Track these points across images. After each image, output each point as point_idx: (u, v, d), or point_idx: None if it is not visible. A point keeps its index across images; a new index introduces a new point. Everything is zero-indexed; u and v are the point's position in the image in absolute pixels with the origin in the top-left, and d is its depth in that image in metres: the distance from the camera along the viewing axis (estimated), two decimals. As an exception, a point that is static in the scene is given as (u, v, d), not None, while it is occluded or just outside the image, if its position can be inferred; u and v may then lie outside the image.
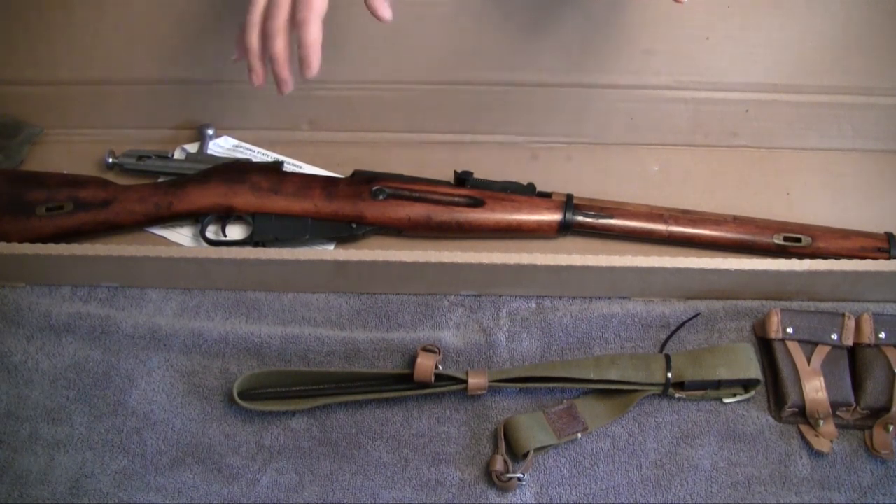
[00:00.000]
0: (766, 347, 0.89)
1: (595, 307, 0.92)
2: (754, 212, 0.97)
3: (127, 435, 0.86)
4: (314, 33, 0.69)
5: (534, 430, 0.83)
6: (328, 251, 0.92)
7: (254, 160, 1.01)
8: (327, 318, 0.93)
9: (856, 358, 0.87)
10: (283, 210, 0.95)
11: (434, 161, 1.01)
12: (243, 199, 0.95)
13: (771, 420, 0.87)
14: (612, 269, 0.86)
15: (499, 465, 0.82)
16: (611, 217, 0.95)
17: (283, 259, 0.86)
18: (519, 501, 0.82)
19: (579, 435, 0.85)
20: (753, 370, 0.86)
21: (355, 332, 0.91)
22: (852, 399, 0.85)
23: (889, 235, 0.95)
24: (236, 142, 1.05)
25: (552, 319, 0.91)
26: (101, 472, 0.84)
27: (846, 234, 0.95)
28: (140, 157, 1.00)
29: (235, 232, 0.98)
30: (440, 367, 0.85)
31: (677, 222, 0.95)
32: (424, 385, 0.85)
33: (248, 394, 0.86)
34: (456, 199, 0.95)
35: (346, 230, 0.95)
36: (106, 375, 0.89)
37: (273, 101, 0.90)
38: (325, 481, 0.84)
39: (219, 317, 0.93)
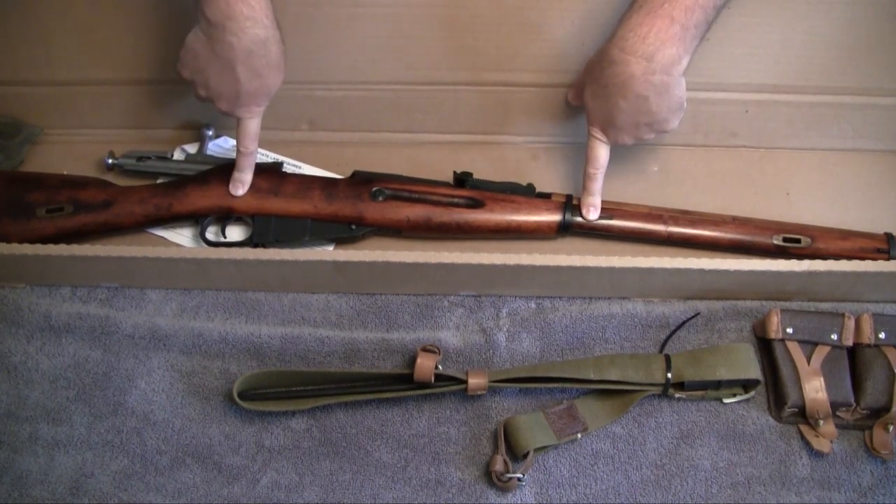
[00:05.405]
0: (766, 347, 0.89)
1: (595, 307, 0.92)
2: (754, 212, 0.97)
3: (127, 435, 0.86)
4: None
5: (534, 430, 0.83)
6: (328, 251, 0.92)
7: (253, 160, 1.01)
8: (327, 319, 0.93)
9: (856, 358, 0.87)
10: (282, 211, 0.95)
11: (434, 161, 1.01)
12: (243, 200, 0.95)
13: (771, 420, 0.87)
14: (611, 270, 0.86)
15: (499, 466, 0.82)
16: (610, 217, 0.95)
17: (282, 259, 0.86)
18: (519, 501, 0.82)
19: (579, 435, 0.85)
20: (753, 370, 0.86)
21: (355, 332, 0.91)
22: (852, 399, 0.85)
23: (888, 236, 0.95)
24: (236, 142, 1.05)
25: (552, 319, 0.91)
26: (101, 472, 0.84)
27: (845, 234, 0.95)
28: (140, 158, 1.00)
29: (235, 233, 0.98)
30: (440, 367, 0.85)
31: (677, 223, 0.95)
32: (424, 385, 0.85)
33: (248, 394, 0.86)
34: (455, 200, 0.95)
35: (345, 231, 0.95)
36: (106, 375, 0.89)
37: (273, 101, 0.90)
38: (325, 481, 0.84)
39: (219, 317, 0.93)
